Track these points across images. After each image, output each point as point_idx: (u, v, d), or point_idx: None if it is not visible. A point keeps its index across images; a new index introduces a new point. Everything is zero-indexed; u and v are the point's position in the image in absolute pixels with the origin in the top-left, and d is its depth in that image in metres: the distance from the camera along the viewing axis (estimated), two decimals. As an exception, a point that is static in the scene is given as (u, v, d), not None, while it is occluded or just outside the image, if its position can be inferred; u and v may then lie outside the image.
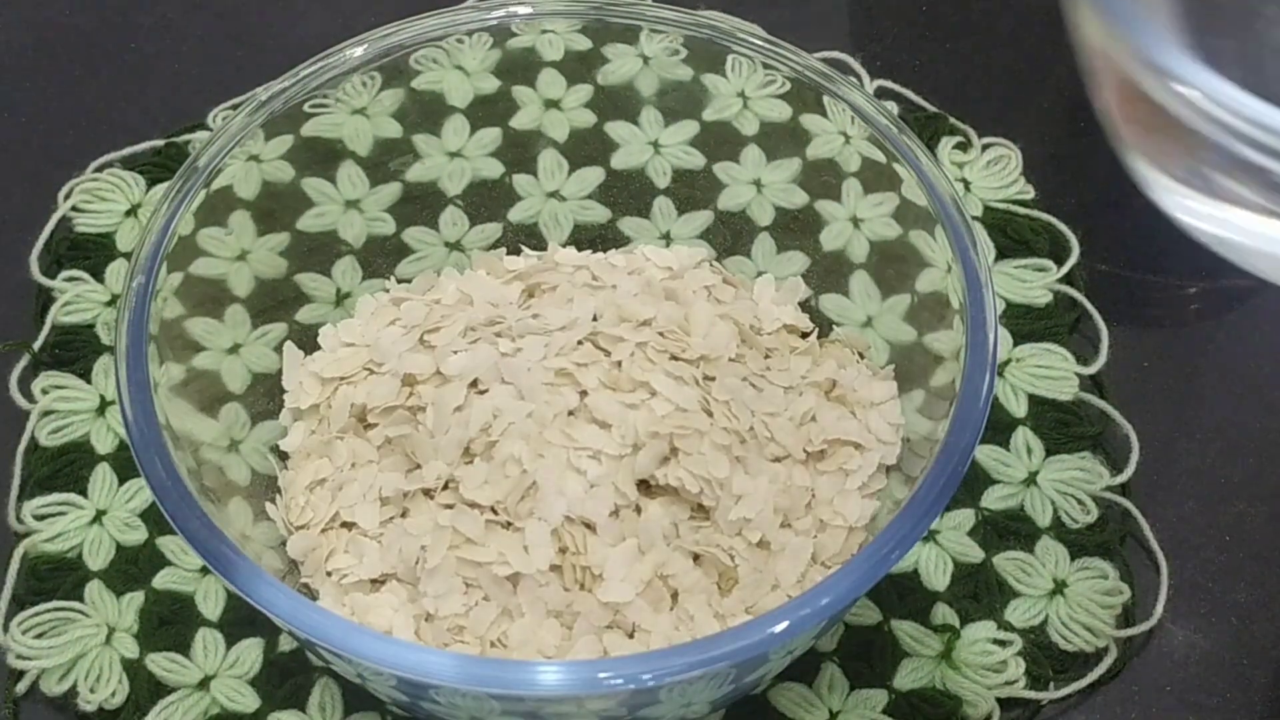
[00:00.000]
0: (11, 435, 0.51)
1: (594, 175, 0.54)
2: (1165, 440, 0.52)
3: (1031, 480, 0.50)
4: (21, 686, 0.46)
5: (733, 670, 0.39)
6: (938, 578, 0.48)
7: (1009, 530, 0.49)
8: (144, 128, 0.59)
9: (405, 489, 0.44)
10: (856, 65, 0.61)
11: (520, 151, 0.53)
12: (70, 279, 0.54)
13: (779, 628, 0.36)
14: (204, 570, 0.48)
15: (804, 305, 0.50)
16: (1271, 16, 0.45)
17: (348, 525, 0.45)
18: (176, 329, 0.44)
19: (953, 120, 0.59)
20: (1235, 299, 0.56)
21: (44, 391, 0.51)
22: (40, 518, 0.49)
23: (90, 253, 0.55)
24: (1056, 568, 0.48)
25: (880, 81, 0.61)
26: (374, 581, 0.44)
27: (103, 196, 0.57)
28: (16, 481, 0.50)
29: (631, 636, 0.42)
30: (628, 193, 0.53)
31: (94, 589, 0.47)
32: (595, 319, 0.47)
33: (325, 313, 0.50)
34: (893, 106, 0.59)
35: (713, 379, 0.46)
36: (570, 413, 0.44)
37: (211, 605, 0.47)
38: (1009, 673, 0.46)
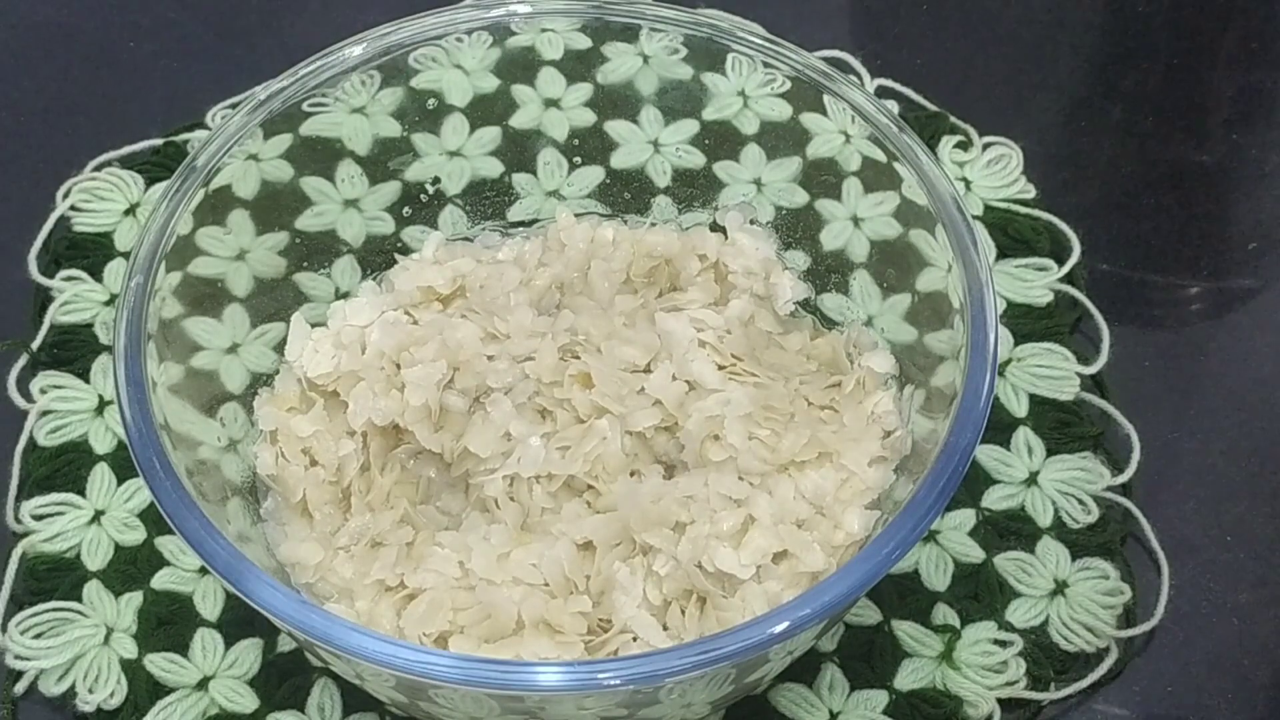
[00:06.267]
0: (10, 435, 0.50)
1: (594, 174, 0.53)
2: (1166, 440, 0.52)
3: (1032, 480, 0.50)
4: (20, 687, 0.46)
5: (733, 670, 0.39)
6: (938, 578, 0.48)
7: (1010, 530, 0.49)
8: (142, 127, 0.59)
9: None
10: (857, 64, 0.61)
11: (520, 150, 0.53)
12: (68, 278, 0.54)
13: (779, 628, 0.36)
14: (203, 570, 0.48)
15: (804, 304, 0.50)
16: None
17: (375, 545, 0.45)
18: (175, 328, 0.44)
19: (953, 119, 0.59)
20: (1236, 299, 0.56)
21: (42, 391, 0.51)
22: (39, 518, 0.49)
23: (89, 252, 0.55)
24: (1057, 568, 0.48)
25: (881, 80, 0.61)
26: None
27: (101, 196, 0.57)
28: (15, 481, 0.50)
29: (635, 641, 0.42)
30: (628, 192, 0.53)
31: (92, 589, 0.47)
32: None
33: (324, 312, 0.50)
34: (893, 105, 0.59)
35: (740, 359, 0.46)
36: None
37: (210, 605, 0.47)
38: (1010, 673, 0.46)
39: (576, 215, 0.52)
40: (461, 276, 0.49)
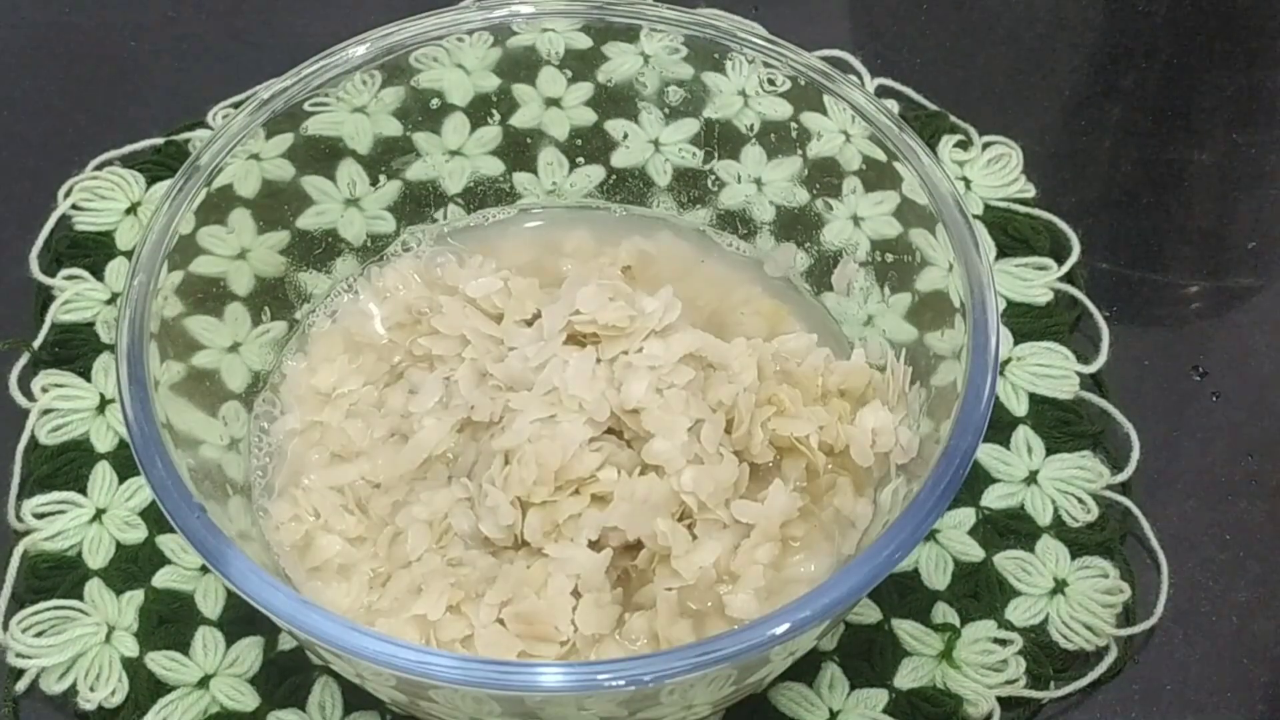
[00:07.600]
0: (11, 433, 0.50)
1: (595, 173, 0.53)
2: (1165, 439, 0.52)
3: (1032, 479, 0.50)
4: (21, 685, 0.46)
5: (734, 671, 0.39)
6: (938, 577, 0.48)
7: (1009, 529, 0.49)
8: (144, 126, 0.59)
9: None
10: (857, 64, 0.61)
11: (520, 150, 0.53)
12: (70, 277, 0.54)
13: (779, 629, 0.36)
14: (204, 569, 0.48)
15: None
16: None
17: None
18: (177, 327, 0.44)
19: (953, 119, 0.59)
20: (1235, 299, 0.56)
21: (44, 390, 0.51)
22: (40, 516, 0.49)
23: (90, 251, 0.55)
24: (1057, 566, 0.48)
25: (881, 80, 0.61)
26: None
27: (102, 195, 0.57)
28: (16, 480, 0.50)
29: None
30: (628, 190, 0.53)
31: (94, 587, 0.47)
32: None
33: (324, 313, 0.50)
34: (893, 105, 0.59)
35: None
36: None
37: (211, 604, 0.47)
38: (1009, 672, 0.46)
39: (576, 209, 0.52)
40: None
